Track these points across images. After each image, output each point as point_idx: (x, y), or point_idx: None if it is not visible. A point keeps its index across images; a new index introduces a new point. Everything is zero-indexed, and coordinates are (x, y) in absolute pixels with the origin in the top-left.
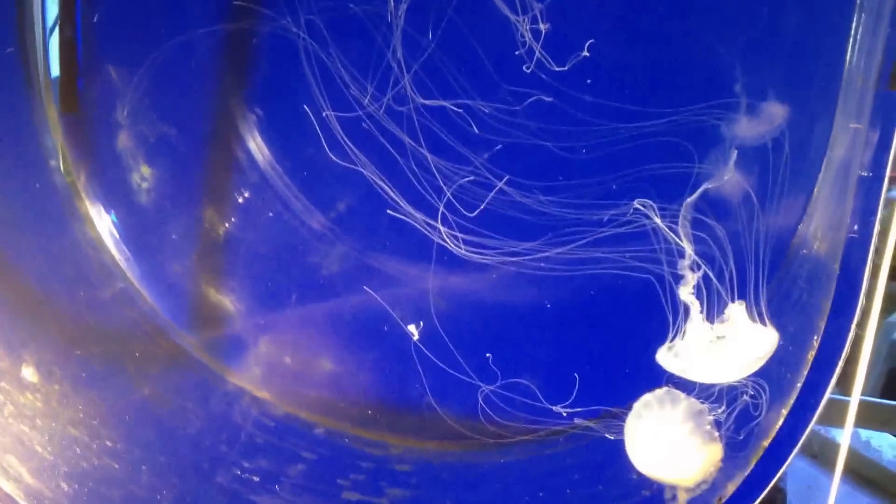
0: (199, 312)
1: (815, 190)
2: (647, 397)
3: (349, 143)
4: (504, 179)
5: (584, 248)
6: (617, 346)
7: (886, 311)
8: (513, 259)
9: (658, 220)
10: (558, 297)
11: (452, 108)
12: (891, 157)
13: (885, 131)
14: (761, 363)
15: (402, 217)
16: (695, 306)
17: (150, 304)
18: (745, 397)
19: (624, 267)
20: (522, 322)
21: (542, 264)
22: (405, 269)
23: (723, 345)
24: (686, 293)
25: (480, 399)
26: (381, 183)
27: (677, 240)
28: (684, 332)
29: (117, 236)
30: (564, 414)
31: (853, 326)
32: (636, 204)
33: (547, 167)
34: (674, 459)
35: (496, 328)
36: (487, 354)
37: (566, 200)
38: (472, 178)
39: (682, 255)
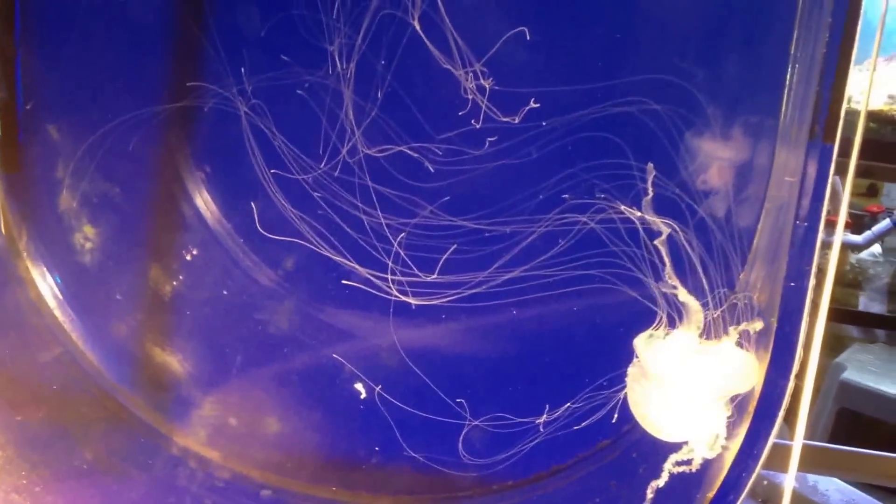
0: (145, 373)
1: (755, 241)
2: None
3: (292, 208)
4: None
5: (544, 267)
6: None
7: (834, 350)
8: (469, 292)
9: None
10: (516, 333)
11: (400, 149)
12: (825, 207)
13: (818, 182)
14: (732, 388)
15: (349, 266)
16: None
17: (94, 365)
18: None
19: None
20: (476, 368)
21: (492, 302)
22: (355, 322)
23: (702, 357)
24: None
25: (431, 454)
26: (325, 242)
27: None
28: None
29: (60, 298)
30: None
31: (792, 378)
32: (586, 218)
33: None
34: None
35: (449, 376)
36: (457, 399)
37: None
38: (419, 219)
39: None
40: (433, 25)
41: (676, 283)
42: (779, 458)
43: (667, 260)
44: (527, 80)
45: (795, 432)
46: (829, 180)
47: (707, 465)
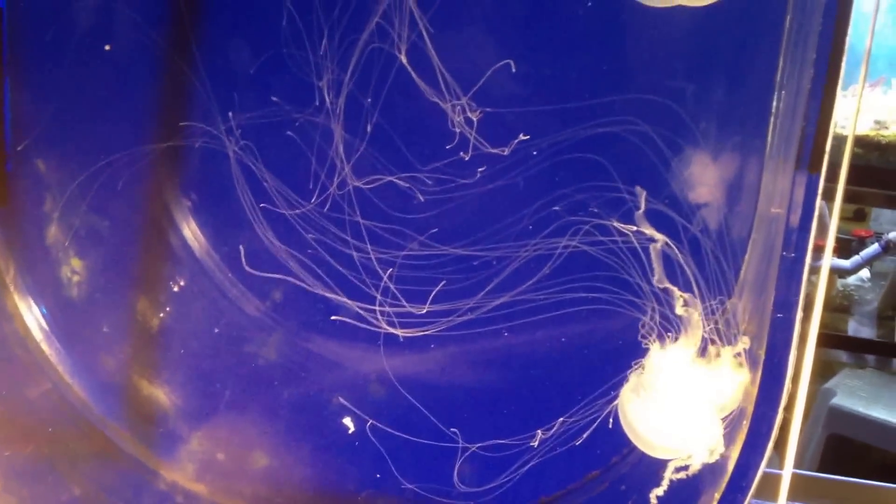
0: (132, 406)
1: (742, 272)
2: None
3: (280, 243)
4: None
5: (534, 291)
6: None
7: (824, 376)
8: (459, 319)
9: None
10: (507, 358)
11: (389, 180)
12: (812, 238)
13: (805, 213)
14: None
15: (338, 300)
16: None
17: (81, 399)
18: (682, 473)
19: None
20: (467, 395)
21: (482, 329)
22: (344, 353)
23: (697, 373)
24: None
25: (424, 484)
26: (313, 276)
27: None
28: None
29: (47, 331)
30: None
31: (780, 410)
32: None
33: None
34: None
35: (440, 405)
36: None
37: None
38: (407, 250)
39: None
40: (421, 59)
41: (674, 291)
42: (769, 488)
43: (657, 266)
44: (514, 111)
45: (785, 462)
46: (816, 210)
47: (696, 496)
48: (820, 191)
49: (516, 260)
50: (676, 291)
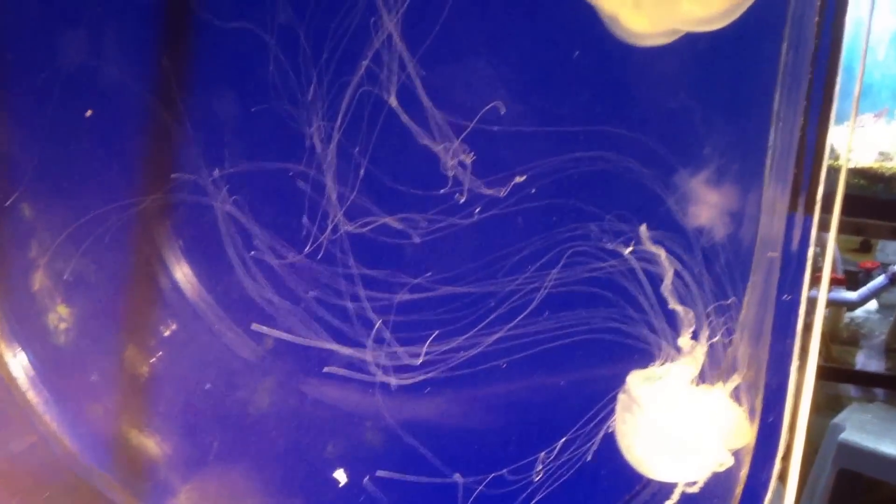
0: (122, 456)
1: (742, 313)
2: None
3: (273, 291)
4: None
5: (532, 324)
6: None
7: (832, 410)
8: (457, 360)
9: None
10: (507, 394)
11: (384, 223)
12: (807, 281)
13: (800, 254)
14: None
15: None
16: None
17: (69, 450)
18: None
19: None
20: (466, 435)
21: (478, 367)
22: (339, 396)
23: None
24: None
25: None
26: (306, 325)
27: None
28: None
29: (34, 378)
30: None
31: (777, 462)
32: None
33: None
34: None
35: (439, 448)
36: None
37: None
38: (401, 294)
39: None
40: (412, 101)
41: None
42: None
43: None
44: (508, 151)
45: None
46: (810, 252)
47: None
48: (814, 233)
49: (514, 295)
50: (683, 319)
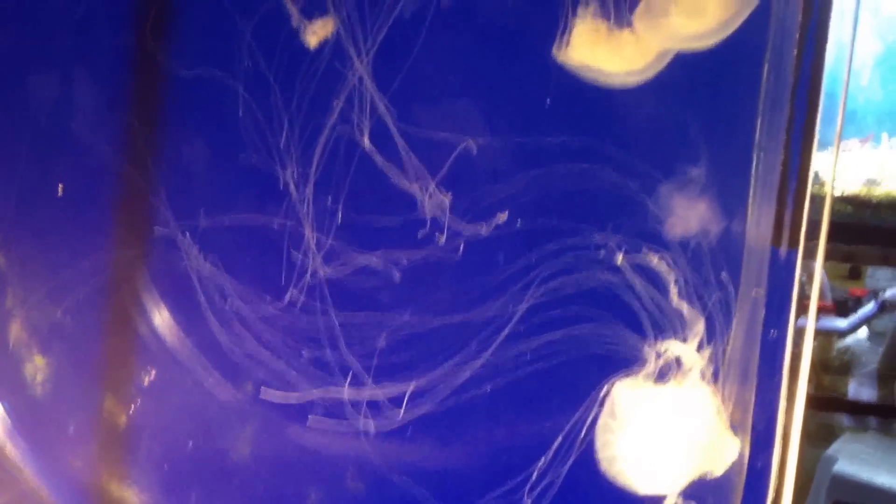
0: None
1: (727, 350)
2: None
3: (253, 339)
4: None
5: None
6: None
7: (825, 440)
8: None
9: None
10: (486, 434)
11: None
12: (793, 315)
13: (785, 290)
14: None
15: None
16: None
17: (48, 501)
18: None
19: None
20: (451, 474)
21: (453, 399)
22: (321, 441)
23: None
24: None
25: None
26: (286, 370)
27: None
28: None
29: (11, 431)
30: None
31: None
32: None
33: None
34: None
35: (425, 488)
36: None
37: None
38: (383, 339)
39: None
40: (386, 144)
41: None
42: None
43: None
44: (486, 188)
45: None
46: (795, 288)
47: None
48: (798, 268)
49: (496, 320)
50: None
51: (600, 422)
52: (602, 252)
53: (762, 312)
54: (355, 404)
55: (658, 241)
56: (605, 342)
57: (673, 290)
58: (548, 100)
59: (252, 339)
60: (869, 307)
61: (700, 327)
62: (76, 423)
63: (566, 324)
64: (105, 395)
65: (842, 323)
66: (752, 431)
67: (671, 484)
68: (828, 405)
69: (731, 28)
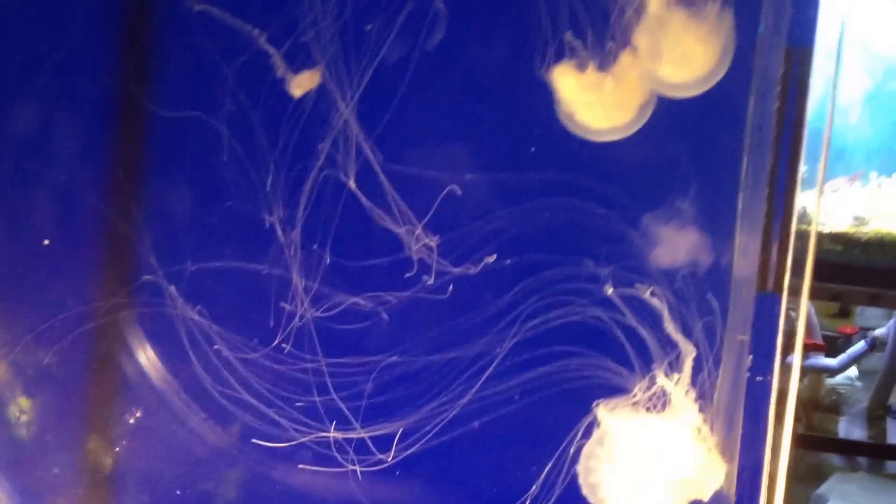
0: None
1: (715, 396)
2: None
3: (237, 384)
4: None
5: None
6: None
7: (816, 480)
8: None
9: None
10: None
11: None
12: (777, 360)
13: (770, 335)
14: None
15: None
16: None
17: None
18: None
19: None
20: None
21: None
22: (309, 482)
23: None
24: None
25: None
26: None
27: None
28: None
29: None
30: None
31: None
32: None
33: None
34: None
35: None
36: None
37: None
38: (370, 384)
39: None
40: (372, 187)
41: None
42: None
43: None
44: (473, 229)
45: None
46: (780, 334)
47: None
48: (783, 314)
49: (483, 357)
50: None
51: (585, 449)
52: (590, 284)
53: (747, 357)
54: (343, 447)
55: (646, 274)
56: (592, 374)
57: (664, 320)
58: (532, 148)
59: (239, 383)
60: (859, 346)
61: (686, 357)
62: (60, 464)
63: (553, 358)
64: (90, 435)
65: (831, 362)
66: (739, 474)
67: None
68: (818, 445)
69: (717, 77)
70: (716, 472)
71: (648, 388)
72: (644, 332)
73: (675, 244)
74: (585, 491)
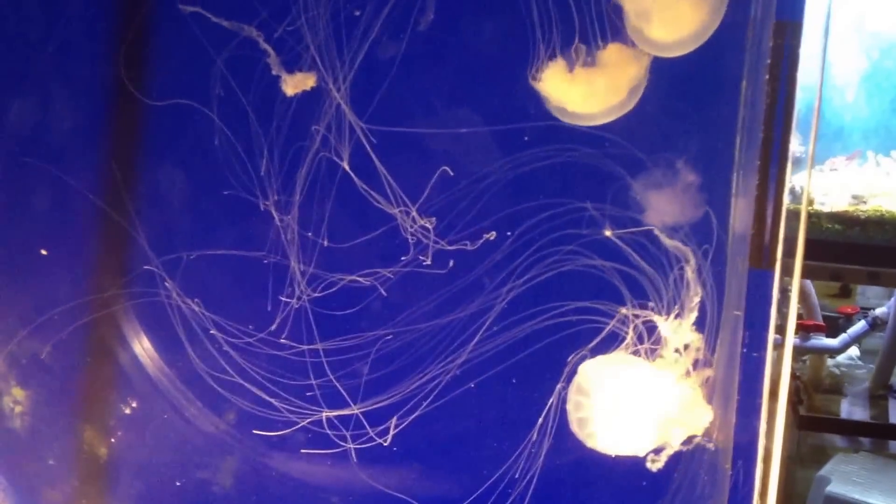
0: None
1: (712, 373)
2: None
3: (231, 371)
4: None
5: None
6: None
7: (818, 462)
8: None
9: None
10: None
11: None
12: (771, 336)
13: (764, 311)
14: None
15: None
16: None
17: None
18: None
19: None
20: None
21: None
22: (305, 471)
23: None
24: None
25: None
26: (270, 392)
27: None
28: None
29: None
30: None
31: None
32: None
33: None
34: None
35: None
36: None
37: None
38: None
39: None
40: (366, 169)
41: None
42: None
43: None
44: (467, 203)
45: None
46: (773, 306)
47: None
48: (776, 289)
49: (482, 315)
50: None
51: (573, 386)
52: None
53: (742, 333)
54: (339, 426)
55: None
56: (585, 320)
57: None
58: (525, 137)
59: (236, 370)
60: (860, 325)
61: (687, 302)
62: (55, 455)
63: (548, 307)
64: (85, 425)
65: (833, 342)
66: (735, 450)
67: (645, 443)
68: (820, 425)
69: (708, 33)
70: (703, 413)
71: (637, 330)
72: (642, 279)
73: (671, 200)
74: (574, 427)
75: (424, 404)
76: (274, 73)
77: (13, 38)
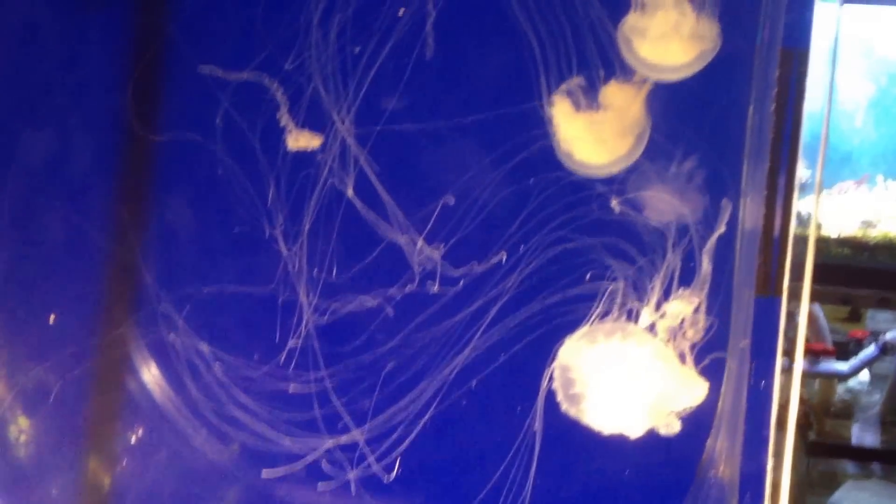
0: None
1: (719, 405)
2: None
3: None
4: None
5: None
6: None
7: (828, 488)
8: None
9: None
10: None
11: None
12: (778, 364)
13: (771, 340)
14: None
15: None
16: None
17: None
18: None
19: None
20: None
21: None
22: (310, 500)
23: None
24: None
25: None
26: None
27: None
28: None
29: None
30: None
31: None
32: None
33: None
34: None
35: None
36: None
37: None
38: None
39: None
40: (370, 198)
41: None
42: None
43: None
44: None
45: None
46: (780, 334)
47: None
48: (783, 318)
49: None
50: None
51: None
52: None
53: (749, 363)
54: (343, 459)
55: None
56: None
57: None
58: (531, 179)
59: (241, 403)
60: (870, 350)
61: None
62: (59, 486)
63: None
64: (90, 454)
65: (843, 366)
66: (742, 483)
67: (640, 420)
68: (830, 451)
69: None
70: (699, 382)
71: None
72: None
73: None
74: (565, 406)
75: (433, 407)
76: (282, 124)
77: (27, 76)
